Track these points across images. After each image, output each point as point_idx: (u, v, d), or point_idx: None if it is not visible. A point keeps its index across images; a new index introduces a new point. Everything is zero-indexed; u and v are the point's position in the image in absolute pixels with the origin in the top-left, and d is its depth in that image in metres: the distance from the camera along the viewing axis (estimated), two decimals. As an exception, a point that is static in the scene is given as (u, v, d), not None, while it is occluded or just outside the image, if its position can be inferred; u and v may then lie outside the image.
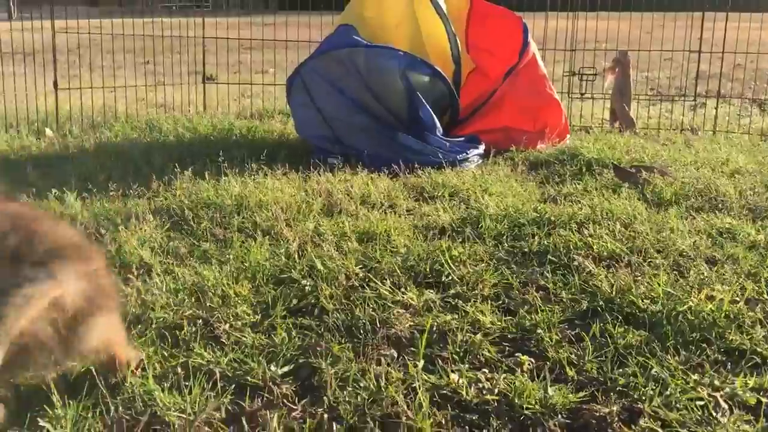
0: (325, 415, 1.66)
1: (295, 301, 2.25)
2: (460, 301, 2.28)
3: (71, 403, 1.63)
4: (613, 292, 2.32)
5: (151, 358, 1.85)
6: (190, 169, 3.65)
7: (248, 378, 1.80)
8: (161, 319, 2.07)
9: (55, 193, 3.24)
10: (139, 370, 1.78)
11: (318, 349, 1.95)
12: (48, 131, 4.84)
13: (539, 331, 2.08)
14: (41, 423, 1.52)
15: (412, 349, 1.99)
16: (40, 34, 5.84)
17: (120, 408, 1.65)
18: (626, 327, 2.11)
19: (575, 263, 2.57)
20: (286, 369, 1.86)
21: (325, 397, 1.74)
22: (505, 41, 4.85)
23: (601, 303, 2.26)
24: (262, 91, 6.65)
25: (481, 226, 2.98)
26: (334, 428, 1.60)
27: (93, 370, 1.78)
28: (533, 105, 4.74)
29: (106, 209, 3.09)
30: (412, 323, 2.14)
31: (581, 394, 1.75)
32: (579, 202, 3.34)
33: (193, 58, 7.03)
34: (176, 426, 1.59)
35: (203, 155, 4.16)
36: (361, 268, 2.51)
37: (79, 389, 1.72)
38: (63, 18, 5.66)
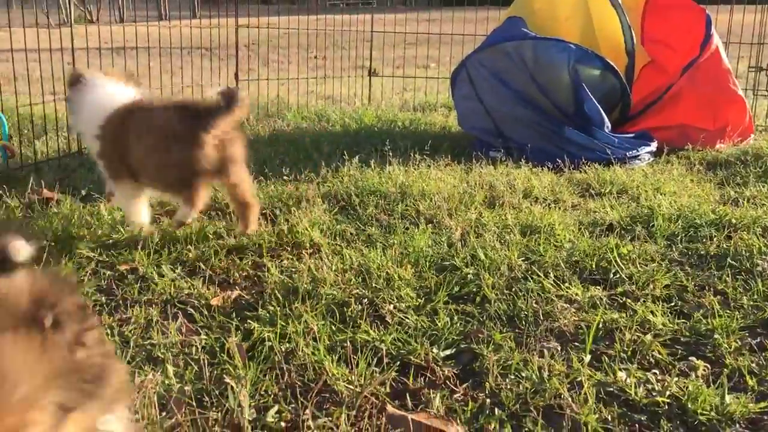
0: (488, 400, 1.67)
1: (457, 288, 2.27)
2: (629, 300, 2.20)
3: (251, 365, 1.76)
4: (804, 302, 2.13)
5: (321, 331, 1.95)
6: (356, 157, 3.78)
7: (411, 357, 1.85)
8: (330, 296, 2.17)
9: (235, 175, 3.47)
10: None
11: (480, 335, 1.96)
12: (229, 119, 5.21)
13: (716, 336, 1.96)
14: (226, 379, 1.66)
15: (576, 344, 1.94)
16: (218, 30, 6.28)
17: (293, 374, 1.76)
18: (818, 340, 1.93)
19: (759, 269, 2.38)
20: (448, 352, 1.89)
21: (486, 383, 1.74)
22: (686, 33, 4.57)
23: (788, 312, 2.09)
24: (425, 84, 6.75)
25: (653, 225, 2.84)
26: (496, 413, 1.61)
27: (269, 337, 1.91)
28: (714, 101, 4.43)
29: (280, 192, 3.28)
30: (576, 318, 2.09)
31: (762, 404, 1.63)
32: (764, 206, 3.09)
33: (359, 53, 7.27)
34: (344, 395, 1.66)
35: (369, 144, 4.29)
36: (523, 260, 2.49)
37: (258, 354, 1.85)
38: (241, 16, 6.06)
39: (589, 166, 3.82)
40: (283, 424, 1.57)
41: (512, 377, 1.76)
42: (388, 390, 1.70)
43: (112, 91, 2.77)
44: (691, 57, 4.48)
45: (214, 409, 1.60)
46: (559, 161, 3.87)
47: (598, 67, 4.31)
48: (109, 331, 1.97)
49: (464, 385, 1.75)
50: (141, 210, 2.80)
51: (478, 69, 4.38)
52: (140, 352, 1.87)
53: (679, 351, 1.92)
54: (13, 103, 4.67)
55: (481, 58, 4.40)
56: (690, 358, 1.86)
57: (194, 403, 1.61)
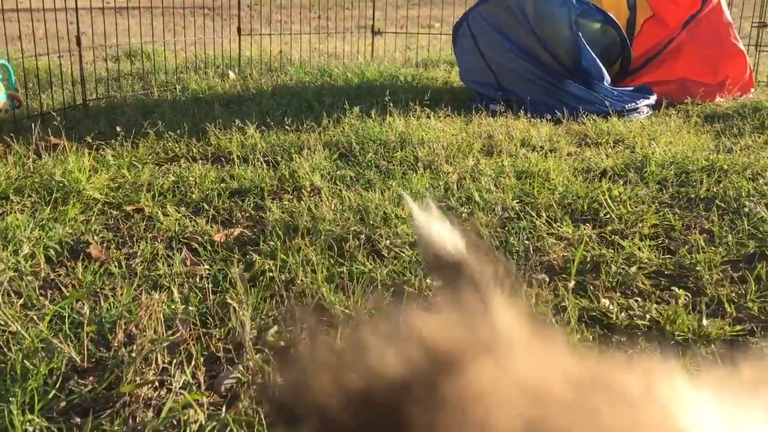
0: (476, 323, 1.75)
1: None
2: (617, 237, 2.27)
3: (252, 291, 1.84)
4: (786, 239, 2.20)
5: (320, 263, 2.04)
6: (357, 108, 3.83)
7: (406, 287, 1.94)
8: (329, 232, 2.25)
9: (238, 125, 3.54)
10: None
11: (472, 268, 2.04)
12: (231, 74, 5.26)
13: (699, 269, 2.03)
14: (228, 300, 1.74)
15: (564, 276, 2.03)
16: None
17: (292, 300, 1.85)
18: (797, 273, 2.00)
19: (745, 209, 2.45)
20: (442, 282, 1.97)
21: (476, 309, 1.82)
22: (688, -13, 4.58)
23: (770, 248, 2.16)
24: (428, 42, 6.75)
25: (646, 171, 2.91)
26: (484, 334, 1.69)
27: (270, 267, 1.99)
28: (714, 55, 4.47)
29: (282, 140, 3.35)
30: (565, 254, 2.17)
31: (738, 327, 1.72)
32: (757, 154, 3.14)
33: (362, 13, 7.25)
34: (340, 317, 1.75)
35: (370, 97, 4.34)
36: (517, 202, 2.56)
37: (259, 284, 1.93)
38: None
39: (587, 117, 3.87)
40: (282, 342, 1.66)
41: (501, 304, 1.84)
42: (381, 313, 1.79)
43: None
44: (693, 11, 4.49)
45: (217, 328, 1.70)
46: (558, 113, 3.92)
47: (599, 20, 4.34)
48: (116, 264, 2.05)
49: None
50: None
51: (479, 22, 4.41)
52: (146, 281, 1.96)
53: (662, 282, 2.00)
54: (18, 57, 4.72)
55: (482, 11, 4.41)
56: (672, 288, 1.94)
57: (198, 323, 1.71)
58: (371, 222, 2.34)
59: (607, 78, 4.27)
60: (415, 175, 2.82)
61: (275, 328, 1.70)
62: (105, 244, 2.23)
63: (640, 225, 2.36)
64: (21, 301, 1.80)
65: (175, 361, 1.53)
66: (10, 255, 2.06)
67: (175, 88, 4.72)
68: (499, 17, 4.34)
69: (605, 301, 1.84)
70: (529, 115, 3.91)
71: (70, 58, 4.51)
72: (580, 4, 4.24)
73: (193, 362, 1.54)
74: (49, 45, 4.63)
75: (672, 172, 2.89)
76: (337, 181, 2.80)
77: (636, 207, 2.52)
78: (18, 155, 2.99)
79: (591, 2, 4.32)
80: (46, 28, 4.73)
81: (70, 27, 4.13)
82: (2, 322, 1.64)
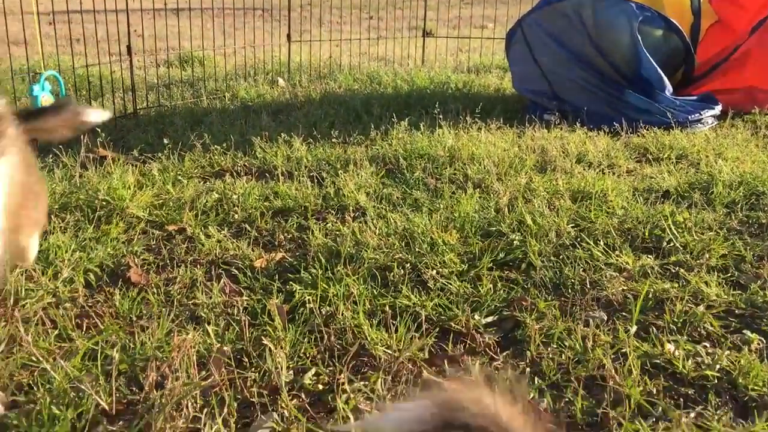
0: (527, 369, 1.64)
1: (502, 255, 2.22)
2: (682, 270, 2.11)
3: (291, 327, 1.76)
4: None
5: (362, 295, 1.94)
6: (406, 119, 3.73)
7: (452, 324, 1.82)
8: (373, 260, 2.16)
9: (284, 137, 3.48)
10: (350, 303, 1.88)
11: (523, 303, 1.92)
12: (280, 81, 5.21)
13: (774, 310, 1.87)
14: (264, 341, 1.66)
15: (624, 314, 1.88)
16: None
17: (332, 337, 1.76)
18: None
19: (825, 240, 2.26)
20: (490, 319, 1.86)
21: (528, 352, 1.71)
22: (757, -10, 4.32)
23: None
24: (480, 45, 6.59)
25: (712, 192, 2.72)
26: (536, 382, 1.57)
27: (310, 300, 1.91)
28: (785, 63, 4.19)
29: (328, 154, 3.27)
30: (625, 287, 2.02)
31: (821, 383, 1.55)
32: (834, 173, 2.92)
33: (414, 13, 7.14)
34: (382, 360, 1.65)
35: (419, 107, 4.23)
36: (573, 227, 2.42)
37: (298, 317, 1.85)
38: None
39: (647, 130, 3.68)
40: (320, 386, 1.58)
41: (554, 346, 1.72)
42: (426, 356, 1.68)
43: None
44: (761, 16, 4.23)
45: (252, 369, 1.62)
46: (616, 125, 3.74)
47: (661, 27, 4.12)
48: (154, 290, 2.00)
49: (505, 353, 1.72)
50: None
51: (534, 29, 4.25)
52: (184, 311, 1.90)
53: (733, 323, 1.84)
54: (70, 64, 4.77)
55: (537, 18, 4.25)
56: (744, 331, 1.78)
57: (233, 363, 1.63)
58: (417, 249, 2.23)
59: (669, 87, 4.06)
60: (464, 194, 2.70)
61: (313, 370, 1.62)
62: (145, 268, 2.19)
63: (707, 255, 2.19)
64: (56, 332, 1.76)
65: (206, 408, 1.45)
66: (50, 279, 2.03)
67: (224, 96, 4.69)
68: (556, 24, 4.17)
69: (670, 346, 1.70)
70: (585, 127, 3.74)
71: (121, 64, 4.54)
72: (641, 11, 4.04)
73: (225, 408, 1.46)
74: (101, 47, 4.64)
75: (741, 194, 2.70)
76: (383, 201, 2.70)
77: (702, 234, 2.35)
78: (66, 168, 2.98)
79: (653, 8, 4.11)
80: (96, 33, 4.77)
81: (122, 28, 4.10)
82: (34, 359, 1.60)
